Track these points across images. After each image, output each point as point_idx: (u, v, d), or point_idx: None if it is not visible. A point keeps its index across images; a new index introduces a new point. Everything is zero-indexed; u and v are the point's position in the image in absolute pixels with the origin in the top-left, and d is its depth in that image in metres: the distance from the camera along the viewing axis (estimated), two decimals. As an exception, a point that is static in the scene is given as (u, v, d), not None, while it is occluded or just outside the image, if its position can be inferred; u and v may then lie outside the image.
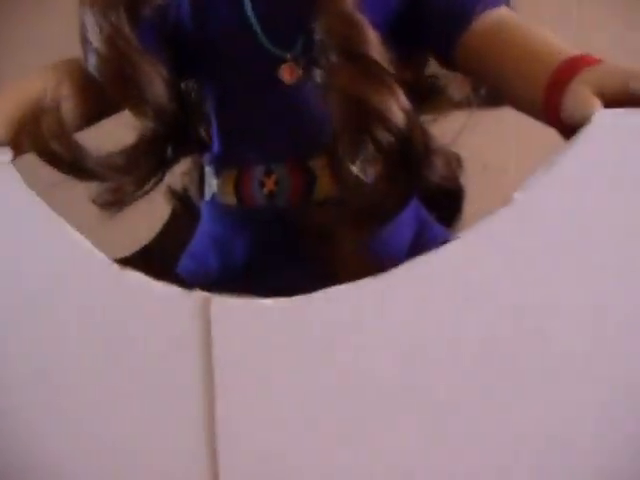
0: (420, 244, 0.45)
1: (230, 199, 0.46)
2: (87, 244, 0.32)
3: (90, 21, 0.41)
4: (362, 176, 0.40)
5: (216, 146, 0.47)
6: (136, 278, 0.31)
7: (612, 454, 0.30)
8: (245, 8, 0.43)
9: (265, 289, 0.34)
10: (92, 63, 0.42)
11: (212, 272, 0.46)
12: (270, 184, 0.44)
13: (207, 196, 0.48)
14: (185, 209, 0.54)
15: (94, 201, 0.44)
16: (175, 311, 0.31)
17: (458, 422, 0.30)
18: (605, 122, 0.28)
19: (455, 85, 0.46)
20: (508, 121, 0.51)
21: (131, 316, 0.32)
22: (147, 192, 0.45)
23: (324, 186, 0.44)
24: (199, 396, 0.31)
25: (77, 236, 0.33)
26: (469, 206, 0.51)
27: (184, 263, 0.49)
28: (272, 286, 0.36)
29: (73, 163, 0.40)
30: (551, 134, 0.35)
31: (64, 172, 0.40)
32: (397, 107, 0.37)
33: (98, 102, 0.44)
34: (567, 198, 0.28)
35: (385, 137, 0.37)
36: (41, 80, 0.42)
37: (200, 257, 0.48)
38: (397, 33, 0.42)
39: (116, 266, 0.32)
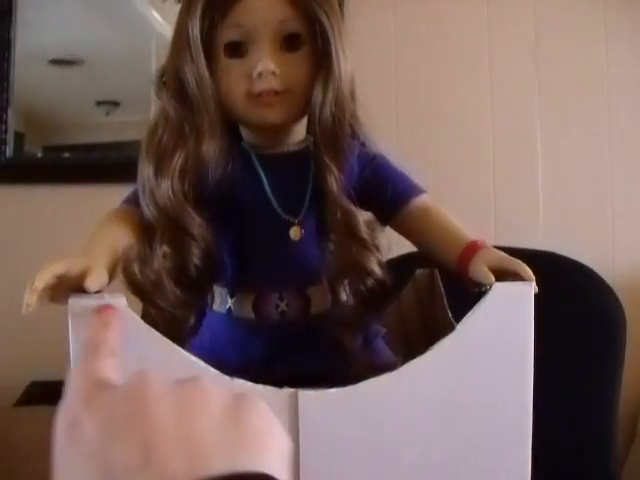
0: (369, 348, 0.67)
1: (248, 314, 0.64)
2: (201, 362, 0.49)
3: (153, 191, 0.58)
4: (347, 300, 0.63)
5: (230, 274, 0.64)
6: (241, 383, 0.49)
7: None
8: (265, 188, 0.63)
9: (279, 376, 0.53)
10: (149, 214, 0.58)
11: (235, 364, 0.63)
12: (282, 306, 0.63)
13: (219, 308, 0.65)
14: None
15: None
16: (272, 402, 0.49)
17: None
18: (499, 288, 0.52)
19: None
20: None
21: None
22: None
23: (316, 305, 0.64)
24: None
25: (192, 357, 0.49)
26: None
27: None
28: (285, 374, 0.55)
29: (155, 297, 0.56)
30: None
31: (145, 302, 0.56)
32: (377, 264, 0.60)
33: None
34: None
35: (369, 282, 0.60)
36: (117, 233, 0.57)
37: (220, 352, 0.64)
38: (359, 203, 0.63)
39: (226, 377, 0.49)
